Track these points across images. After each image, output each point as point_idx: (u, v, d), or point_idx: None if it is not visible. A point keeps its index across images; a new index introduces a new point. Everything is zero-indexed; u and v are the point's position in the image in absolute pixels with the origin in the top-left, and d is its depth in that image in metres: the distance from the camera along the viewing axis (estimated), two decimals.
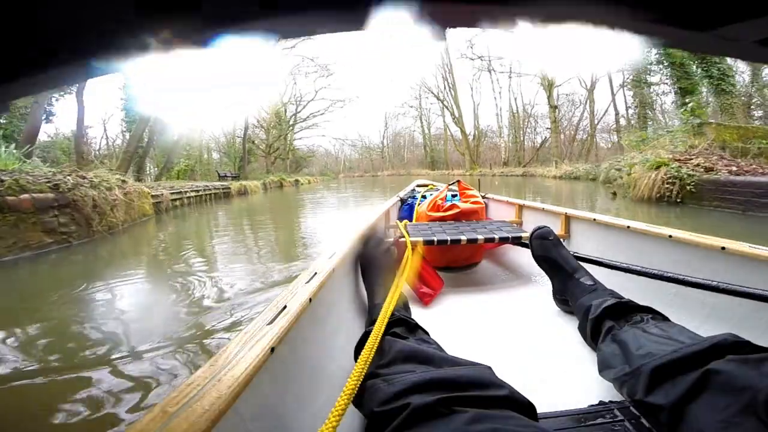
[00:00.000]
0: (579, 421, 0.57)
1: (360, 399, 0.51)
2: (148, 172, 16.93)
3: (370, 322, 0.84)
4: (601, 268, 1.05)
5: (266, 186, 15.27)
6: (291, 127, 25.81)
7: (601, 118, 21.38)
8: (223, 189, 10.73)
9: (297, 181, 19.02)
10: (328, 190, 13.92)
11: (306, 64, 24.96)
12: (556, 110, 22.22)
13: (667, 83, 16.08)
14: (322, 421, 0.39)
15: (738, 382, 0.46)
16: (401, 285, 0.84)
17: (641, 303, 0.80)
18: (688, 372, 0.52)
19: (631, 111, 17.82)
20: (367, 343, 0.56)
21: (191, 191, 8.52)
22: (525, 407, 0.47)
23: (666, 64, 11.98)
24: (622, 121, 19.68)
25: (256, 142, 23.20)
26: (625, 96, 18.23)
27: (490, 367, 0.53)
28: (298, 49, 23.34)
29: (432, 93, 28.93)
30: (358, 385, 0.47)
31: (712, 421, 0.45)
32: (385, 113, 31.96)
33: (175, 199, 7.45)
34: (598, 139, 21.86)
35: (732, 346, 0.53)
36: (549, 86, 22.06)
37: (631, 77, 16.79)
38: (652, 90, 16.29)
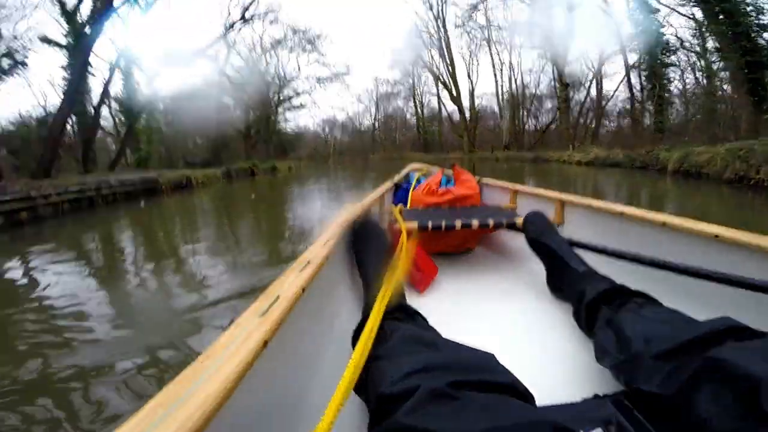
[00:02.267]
0: (571, 414, 0.55)
1: (362, 384, 0.50)
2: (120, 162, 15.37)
3: (367, 309, 0.77)
4: (596, 254, 1.04)
5: (231, 175, 13.23)
6: (274, 108, 23.86)
7: (610, 99, 19.61)
8: (142, 185, 7.74)
9: (274, 167, 17.09)
10: (310, 180, 11.70)
11: (289, 39, 22.78)
12: (568, 88, 20.30)
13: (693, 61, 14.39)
14: (322, 411, 0.39)
15: (739, 369, 0.44)
16: (397, 271, 0.83)
17: (635, 289, 0.80)
18: (687, 360, 0.51)
19: (645, 93, 15.94)
20: (365, 328, 0.56)
21: (60, 193, 5.66)
22: (526, 397, 0.46)
23: (728, 35, 9.97)
24: (626, 105, 17.98)
25: (233, 124, 21.35)
26: (641, 77, 16.28)
27: (493, 354, 0.53)
28: (281, 20, 21.13)
29: (427, 68, 26.83)
30: (359, 371, 0.47)
31: (714, 410, 0.44)
32: (376, 94, 29.87)
33: (16, 211, 4.86)
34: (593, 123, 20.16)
35: (730, 331, 0.53)
36: (561, 63, 20.08)
37: (646, 56, 14.94)
38: (669, 71, 14.54)
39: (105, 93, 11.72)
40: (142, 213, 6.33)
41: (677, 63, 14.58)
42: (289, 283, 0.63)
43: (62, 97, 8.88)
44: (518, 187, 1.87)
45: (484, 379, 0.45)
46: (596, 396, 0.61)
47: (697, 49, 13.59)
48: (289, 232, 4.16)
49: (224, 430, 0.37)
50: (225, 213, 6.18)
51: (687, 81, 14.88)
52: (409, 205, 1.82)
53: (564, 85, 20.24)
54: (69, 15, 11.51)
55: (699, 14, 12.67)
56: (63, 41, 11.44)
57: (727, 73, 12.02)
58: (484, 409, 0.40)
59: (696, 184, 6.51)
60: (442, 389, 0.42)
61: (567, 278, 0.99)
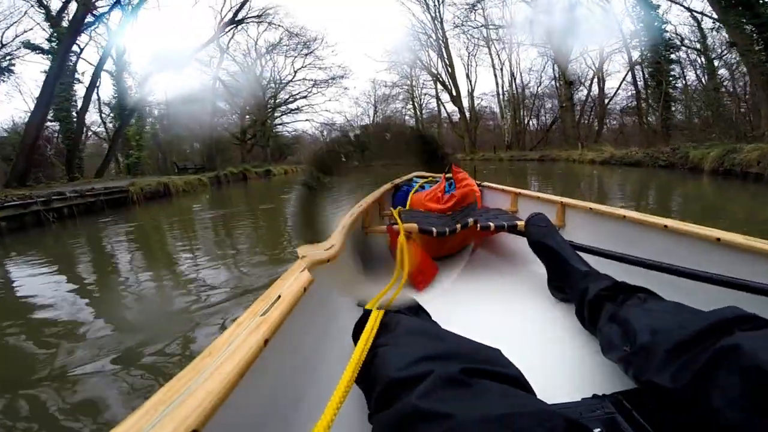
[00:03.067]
0: (571, 414, 0.54)
1: (363, 373, 0.50)
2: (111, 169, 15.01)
3: (369, 306, 0.76)
4: (597, 257, 1.04)
5: (221, 180, 12.65)
6: (270, 112, 23.51)
7: (613, 97, 19.08)
8: (108, 195, 6.66)
9: (269, 171, 16.61)
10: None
11: (285, 43, 22.43)
12: (572, 86, 19.82)
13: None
14: (324, 405, 0.40)
15: (754, 357, 0.42)
16: (397, 271, 0.89)
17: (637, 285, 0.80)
18: (699, 350, 0.50)
19: (649, 91, 15.42)
20: (368, 320, 0.57)
21: None
22: (531, 392, 0.47)
23: (747, 28, 9.34)
24: (629, 103, 17.58)
25: (228, 128, 21.01)
26: (644, 73, 15.77)
27: (499, 350, 0.53)
28: (277, 23, 20.80)
29: (425, 69, 26.38)
30: (362, 360, 0.48)
31: (725, 402, 0.43)
32: (374, 97, 29.50)
33: None
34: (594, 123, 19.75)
35: (739, 320, 0.52)
36: (564, 61, 19.61)
37: (648, 54, 14.56)
38: (672, 68, 14.10)
39: (87, 98, 11.38)
40: (76, 235, 4.81)
41: (679, 60, 14.25)
42: (290, 283, 0.64)
43: (35, 103, 8.47)
44: (519, 189, 1.85)
45: (493, 369, 0.45)
46: (595, 396, 0.60)
47: (698, 45, 13.26)
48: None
49: (225, 426, 0.36)
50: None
51: (688, 78, 14.62)
52: (408, 206, 1.81)
53: (568, 83, 19.75)
54: (53, 20, 11.27)
55: (697, 6, 12.34)
56: (48, 47, 11.20)
57: (737, 68, 11.53)
58: (499, 396, 0.40)
59: (743, 185, 5.74)
60: (456, 375, 0.41)
61: (569, 278, 0.98)
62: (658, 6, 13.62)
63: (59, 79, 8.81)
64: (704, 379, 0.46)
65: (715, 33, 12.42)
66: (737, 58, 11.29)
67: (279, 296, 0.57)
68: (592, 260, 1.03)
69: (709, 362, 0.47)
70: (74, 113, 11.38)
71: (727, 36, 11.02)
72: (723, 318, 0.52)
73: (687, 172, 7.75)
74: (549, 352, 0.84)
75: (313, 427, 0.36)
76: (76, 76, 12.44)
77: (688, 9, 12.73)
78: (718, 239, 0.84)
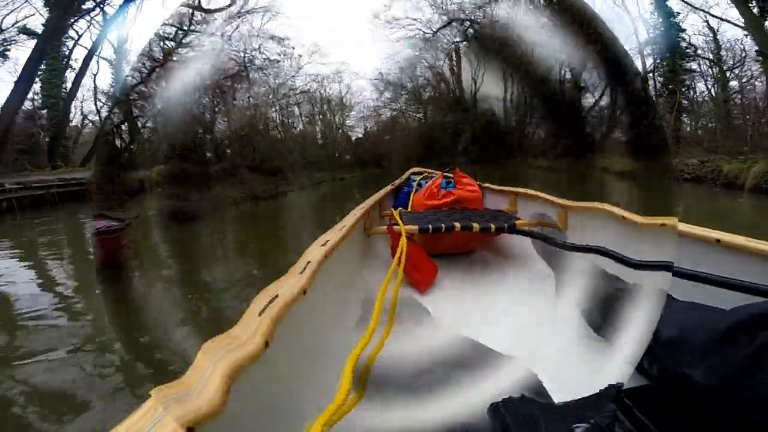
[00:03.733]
0: (574, 411, 0.56)
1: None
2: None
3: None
4: (599, 257, 1.04)
5: None
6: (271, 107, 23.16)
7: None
8: (60, 187, 6.17)
9: None
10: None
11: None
12: (582, 92, 19.33)
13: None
14: (325, 404, 0.40)
15: None
16: (398, 272, 0.86)
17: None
18: (734, 347, 0.49)
19: (660, 100, 14.93)
20: (370, 324, 0.59)
21: None
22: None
23: None
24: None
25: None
26: (656, 82, 15.29)
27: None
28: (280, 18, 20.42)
29: (430, 68, 25.91)
30: (362, 362, 0.47)
31: (764, 399, 0.42)
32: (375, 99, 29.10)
33: None
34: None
35: None
36: (578, 67, 19.10)
37: (661, 62, 14.18)
38: (684, 78, 13.66)
39: (76, 85, 11.03)
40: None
41: (691, 69, 13.82)
42: (289, 283, 0.65)
43: (43, 95, 8.07)
44: (519, 189, 1.86)
45: None
46: (597, 394, 0.61)
47: (710, 56, 12.95)
48: None
49: (225, 426, 0.36)
50: None
51: (697, 89, 14.15)
52: (410, 208, 1.82)
53: (579, 88, 19.19)
54: (51, 5, 10.93)
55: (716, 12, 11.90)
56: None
57: (750, 80, 11.11)
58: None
59: None
60: None
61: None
62: (678, 13, 13.17)
63: (40, 64, 8.44)
64: (740, 376, 0.45)
65: (729, 43, 11.96)
66: (753, 70, 10.85)
67: (277, 296, 0.56)
68: (593, 260, 1.04)
69: (748, 359, 0.45)
70: (61, 101, 11.04)
71: (744, 46, 10.56)
72: (757, 313, 0.51)
73: (720, 187, 7.04)
74: (551, 350, 0.85)
75: (312, 426, 0.37)
76: (69, 63, 12.07)
77: (710, 14, 12.24)
78: (718, 240, 0.86)
